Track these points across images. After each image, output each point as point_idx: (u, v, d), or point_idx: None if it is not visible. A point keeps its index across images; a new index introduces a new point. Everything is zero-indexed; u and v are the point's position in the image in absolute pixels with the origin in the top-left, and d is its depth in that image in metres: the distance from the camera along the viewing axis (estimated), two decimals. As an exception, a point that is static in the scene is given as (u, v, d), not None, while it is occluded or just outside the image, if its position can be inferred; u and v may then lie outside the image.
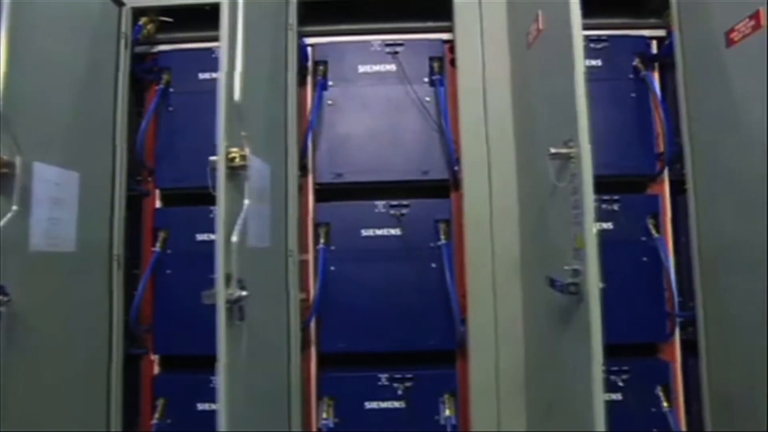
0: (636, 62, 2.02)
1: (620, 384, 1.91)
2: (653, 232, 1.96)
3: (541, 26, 1.55)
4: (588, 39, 2.03)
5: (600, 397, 1.19)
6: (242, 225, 1.29)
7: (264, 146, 1.62)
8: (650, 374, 1.94)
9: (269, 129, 1.74)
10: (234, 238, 1.24)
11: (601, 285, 1.24)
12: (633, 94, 2.02)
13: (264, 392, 1.55)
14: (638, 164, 2.01)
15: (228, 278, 1.21)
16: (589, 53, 2.03)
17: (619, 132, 2.01)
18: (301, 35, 2.02)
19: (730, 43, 1.65)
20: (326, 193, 2.05)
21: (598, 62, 2.03)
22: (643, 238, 1.97)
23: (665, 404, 1.90)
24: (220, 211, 1.22)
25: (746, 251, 1.61)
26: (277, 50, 1.81)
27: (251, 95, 1.48)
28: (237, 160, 1.28)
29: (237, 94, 1.28)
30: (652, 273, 1.95)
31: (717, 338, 1.78)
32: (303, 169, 2.03)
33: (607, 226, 1.97)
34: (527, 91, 1.79)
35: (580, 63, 1.25)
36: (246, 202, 1.33)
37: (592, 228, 1.22)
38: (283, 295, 1.77)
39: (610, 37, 2.04)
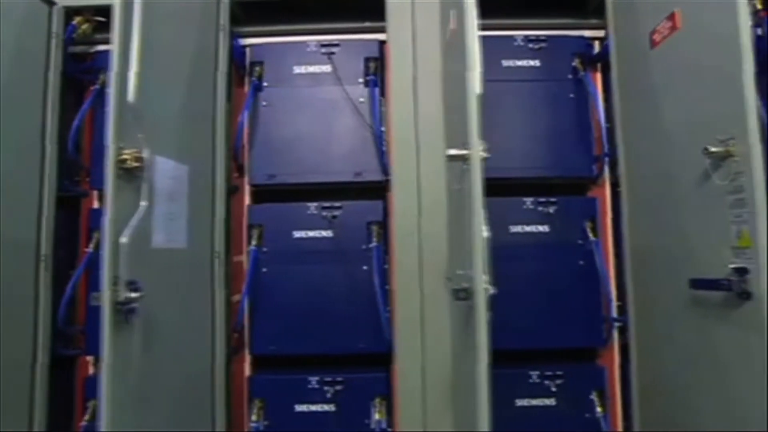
0: (575, 63, 2.00)
1: (553, 389, 1.89)
2: (590, 235, 1.94)
3: (452, 26, 1.54)
4: (527, 39, 2.02)
5: (484, 400, 1.16)
6: (137, 226, 1.28)
7: (183, 147, 1.61)
8: (585, 379, 1.91)
9: (195, 130, 1.73)
10: (123, 240, 1.23)
11: (492, 290, 1.22)
12: (572, 95, 1.99)
13: (177, 393, 1.54)
14: (577, 166, 1.99)
15: (115, 280, 1.21)
16: (527, 53, 2.01)
17: (557, 133, 1.99)
18: (238, 36, 2.01)
19: (653, 44, 1.62)
20: (263, 194, 2.04)
21: (536, 63, 2.01)
22: (580, 241, 1.94)
23: (599, 409, 1.87)
24: (108, 212, 1.21)
25: (665, 253, 1.59)
26: (205, 50, 1.80)
27: (162, 96, 1.48)
28: (130, 161, 1.27)
29: (131, 95, 1.27)
30: (589, 277, 1.92)
31: (645, 340, 1.75)
32: (240, 170, 2.03)
33: (543, 228, 1.95)
34: (446, 92, 1.78)
35: (475, 62, 1.22)
36: (143, 203, 1.32)
37: (482, 232, 1.20)
38: (207, 297, 1.76)
39: (549, 37, 2.02)
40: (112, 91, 1.23)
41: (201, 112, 1.78)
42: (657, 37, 1.60)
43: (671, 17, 1.52)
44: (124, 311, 1.23)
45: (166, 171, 1.49)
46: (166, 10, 1.48)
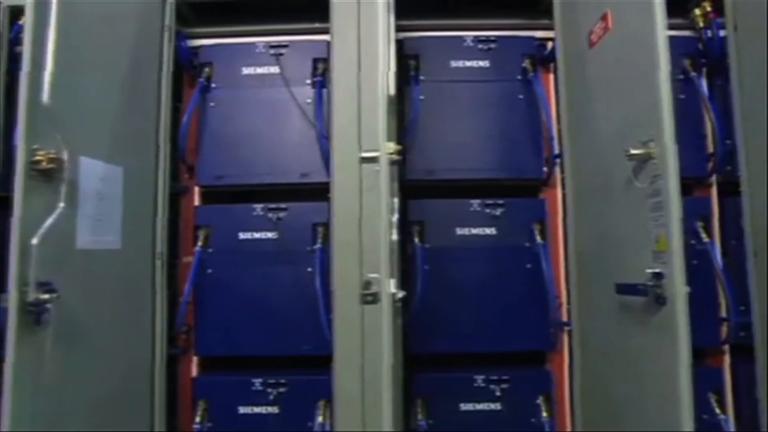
0: (525, 63, 1.98)
1: (498, 393, 1.87)
2: (538, 237, 1.91)
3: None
4: (477, 39, 2.00)
5: (388, 401, 1.15)
6: (51, 228, 1.28)
7: (118, 148, 1.61)
8: (531, 383, 1.89)
9: (135, 130, 1.73)
10: (34, 241, 1.23)
11: (400, 294, 1.20)
12: (521, 96, 1.97)
13: (107, 394, 1.53)
14: (527, 168, 1.97)
15: (23, 281, 1.20)
16: (476, 54, 2.00)
17: (507, 135, 1.97)
18: (187, 36, 2.01)
19: (591, 44, 1.60)
20: (213, 195, 2.04)
21: (485, 63, 1.99)
22: (528, 244, 1.92)
23: (545, 414, 1.85)
24: (16, 213, 1.21)
25: (600, 256, 1.57)
26: (149, 51, 1.80)
27: (90, 97, 1.48)
28: (45, 162, 1.27)
29: (45, 95, 1.27)
30: (538, 280, 1.90)
31: (586, 344, 1.73)
32: (191, 170, 2.03)
33: (490, 231, 1.93)
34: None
35: (382, 63, 1.21)
36: (60, 204, 1.32)
37: (390, 235, 1.18)
38: (148, 298, 1.76)
39: (499, 37, 2.00)
40: (22, 92, 1.23)
41: (143, 113, 1.77)
42: (594, 37, 1.58)
43: (604, 17, 1.50)
44: (34, 313, 1.22)
45: (95, 172, 1.48)
46: (94, 9, 1.48)
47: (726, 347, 1.97)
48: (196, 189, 2.03)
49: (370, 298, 1.18)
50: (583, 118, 1.68)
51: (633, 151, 1.28)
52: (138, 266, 1.72)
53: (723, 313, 1.90)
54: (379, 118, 1.20)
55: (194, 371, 1.97)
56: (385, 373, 1.14)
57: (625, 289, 1.35)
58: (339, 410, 1.45)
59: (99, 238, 1.51)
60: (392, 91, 1.24)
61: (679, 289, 1.15)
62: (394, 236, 1.22)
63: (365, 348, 1.75)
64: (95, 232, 1.49)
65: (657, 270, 1.22)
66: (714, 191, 2.03)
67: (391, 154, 1.21)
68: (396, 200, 1.83)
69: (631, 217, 1.35)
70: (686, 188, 2.01)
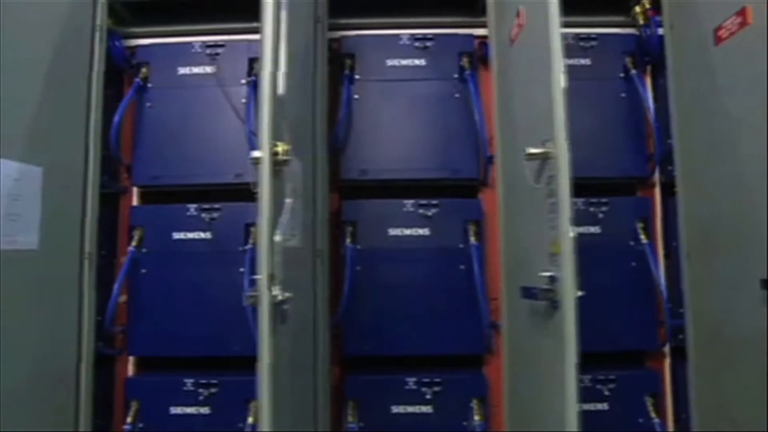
0: (463, 62, 1.96)
1: (428, 396, 1.84)
2: (472, 239, 1.89)
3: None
4: (413, 38, 1.98)
5: (268, 402, 1.13)
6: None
7: (38, 148, 1.61)
8: (465, 386, 1.87)
9: (60, 131, 1.72)
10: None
11: (280, 297, 1.18)
12: (457, 95, 1.95)
13: (22, 395, 1.53)
14: (463, 168, 1.94)
15: None
16: (413, 52, 1.98)
17: (443, 134, 1.95)
18: (123, 36, 2.01)
19: (511, 42, 1.58)
20: (150, 195, 2.04)
21: (421, 62, 1.97)
22: (461, 245, 1.90)
23: (477, 417, 1.82)
24: None
25: (516, 259, 1.54)
26: (78, 51, 1.80)
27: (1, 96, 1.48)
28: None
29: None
30: (472, 281, 1.88)
31: (513, 347, 1.71)
32: (129, 170, 2.03)
33: (423, 232, 1.91)
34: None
35: (268, 62, 1.20)
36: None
37: (271, 237, 1.17)
38: (74, 298, 1.75)
39: (435, 36, 1.98)
40: None
41: (72, 113, 1.77)
42: (513, 34, 1.56)
43: (519, 15, 1.48)
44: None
45: (7, 172, 1.48)
46: (18, 8, 1.47)
47: (667, 350, 1.94)
48: (135, 189, 2.03)
49: (253, 300, 1.17)
50: (508, 118, 1.66)
51: (532, 151, 1.25)
52: (61, 266, 1.71)
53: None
54: (264, 118, 1.18)
55: (131, 371, 1.97)
56: (266, 374, 1.12)
57: (526, 293, 1.33)
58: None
59: (12, 238, 1.50)
60: (281, 90, 1.22)
61: (568, 293, 1.12)
62: (278, 237, 1.20)
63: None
64: (7, 233, 1.48)
65: (552, 273, 1.20)
66: (657, 192, 2.00)
67: (278, 155, 1.19)
68: (325, 199, 1.83)
69: (535, 219, 1.33)
70: (629, 188, 2.01)
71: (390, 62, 1.96)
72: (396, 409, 1.85)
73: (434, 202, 1.91)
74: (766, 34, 1.39)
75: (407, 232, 1.90)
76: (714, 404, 1.66)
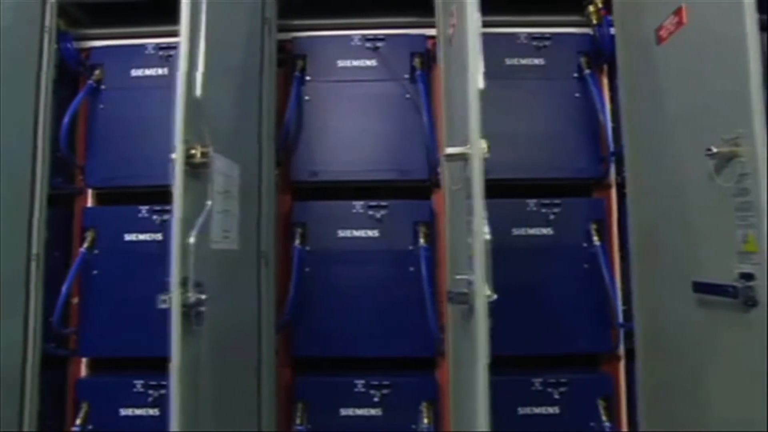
0: (415, 62, 1.94)
1: (376, 399, 1.83)
2: (421, 240, 1.88)
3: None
4: (364, 38, 1.97)
5: (177, 402, 1.13)
6: None
7: None
8: (414, 389, 1.85)
9: (10, 132, 1.73)
10: None
11: (202, 297, 1.18)
12: (408, 96, 1.94)
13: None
14: (413, 169, 1.93)
15: None
16: (364, 53, 1.97)
17: (394, 135, 1.94)
18: (77, 38, 2.02)
19: (449, 41, 1.56)
20: (105, 196, 2.04)
21: (373, 62, 1.96)
22: (410, 247, 1.88)
23: (426, 420, 1.81)
24: None
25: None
26: (28, 52, 1.81)
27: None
28: None
29: None
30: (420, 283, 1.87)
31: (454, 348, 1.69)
32: (83, 172, 2.04)
33: (373, 233, 1.90)
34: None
35: (184, 62, 1.20)
36: None
37: (185, 239, 1.16)
38: (21, 299, 1.76)
39: (387, 36, 1.97)
40: None
41: (19, 115, 1.78)
42: (450, 33, 1.55)
43: (452, 13, 1.47)
44: None
45: None
46: None
47: (622, 353, 1.92)
48: (90, 191, 2.04)
49: (165, 303, 1.16)
50: (448, 119, 1.65)
51: (449, 152, 1.24)
52: (8, 268, 1.72)
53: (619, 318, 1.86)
54: (178, 120, 1.18)
55: (83, 373, 1.98)
56: (176, 376, 1.12)
57: (448, 296, 1.31)
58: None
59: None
60: (198, 92, 1.22)
61: (480, 293, 1.11)
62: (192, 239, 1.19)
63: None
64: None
65: (466, 277, 1.18)
66: (613, 193, 1.98)
67: (193, 157, 1.19)
68: (272, 201, 1.82)
69: (459, 221, 1.32)
70: (584, 189, 1.99)
71: (341, 63, 1.96)
72: (345, 412, 1.84)
73: (383, 203, 1.90)
74: (699, 33, 1.37)
75: (356, 233, 1.89)
76: (660, 408, 1.64)
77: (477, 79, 1.17)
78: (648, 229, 1.68)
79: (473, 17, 1.19)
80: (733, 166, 1.23)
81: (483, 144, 1.15)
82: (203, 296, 1.19)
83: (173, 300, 1.14)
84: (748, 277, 1.19)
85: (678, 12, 1.44)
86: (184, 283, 1.16)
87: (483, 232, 1.11)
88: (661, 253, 1.60)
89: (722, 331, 1.29)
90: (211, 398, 1.36)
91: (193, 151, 1.20)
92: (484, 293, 1.09)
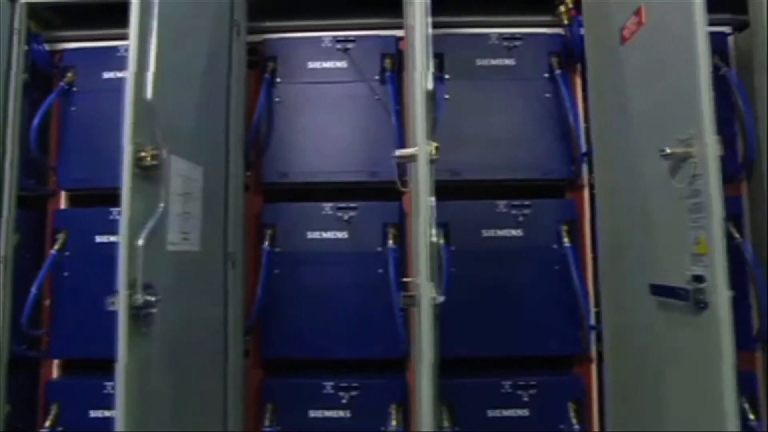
0: (385, 63, 1.94)
1: (344, 401, 1.83)
2: (390, 242, 1.87)
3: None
4: (335, 40, 1.97)
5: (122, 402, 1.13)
6: None
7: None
8: (383, 391, 1.85)
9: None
10: None
11: (152, 299, 1.18)
12: (377, 97, 1.94)
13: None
14: (382, 170, 1.92)
15: None
16: (335, 54, 1.97)
17: (364, 136, 1.94)
18: (53, 41, 2.02)
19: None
20: (79, 198, 2.05)
21: (343, 64, 1.96)
22: (379, 249, 1.88)
23: (394, 422, 1.80)
24: None
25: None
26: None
27: None
28: None
29: None
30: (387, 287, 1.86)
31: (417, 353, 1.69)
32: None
33: (342, 235, 1.90)
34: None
35: (133, 63, 1.20)
36: None
37: (132, 242, 1.16)
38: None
39: (358, 37, 1.97)
40: None
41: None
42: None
43: (405, 17, 1.46)
44: None
45: None
46: None
47: (594, 355, 1.91)
48: (63, 193, 2.04)
49: (113, 305, 1.17)
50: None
51: (399, 153, 1.23)
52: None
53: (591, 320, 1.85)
54: (127, 121, 1.18)
55: (55, 374, 1.98)
56: (122, 377, 1.12)
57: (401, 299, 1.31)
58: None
59: None
60: (150, 94, 1.22)
61: (425, 294, 1.10)
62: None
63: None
64: None
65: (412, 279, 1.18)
66: (586, 194, 1.97)
67: (143, 159, 1.19)
68: (240, 202, 1.82)
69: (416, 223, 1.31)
70: (557, 190, 1.98)
71: (312, 65, 1.95)
72: (314, 413, 1.83)
73: (353, 205, 1.89)
74: (657, 33, 1.37)
75: (325, 235, 1.89)
76: (626, 410, 1.63)
77: (426, 81, 1.16)
78: (614, 231, 1.67)
79: (421, 19, 1.18)
80: (687, 167, 1.22)
81: (430, 146, 1.13)
82: (153, 298, 1.19)
83: (120, 302, 1.14)
84: (699, 279, 1.18)
85: (638, 11, 1.43)
86: (132, 285, 1.16)
87: (428, 233, 1.10)
88: (626, 255, 1.59)
89: (678, 333, 1.29)
90: (168, 399, 1.36)
91: (142, 153, 1.20)
92: (428, 295, 1.08)
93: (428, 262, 1.11)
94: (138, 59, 1.20)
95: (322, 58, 1.95)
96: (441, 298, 1.12)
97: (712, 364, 1.13)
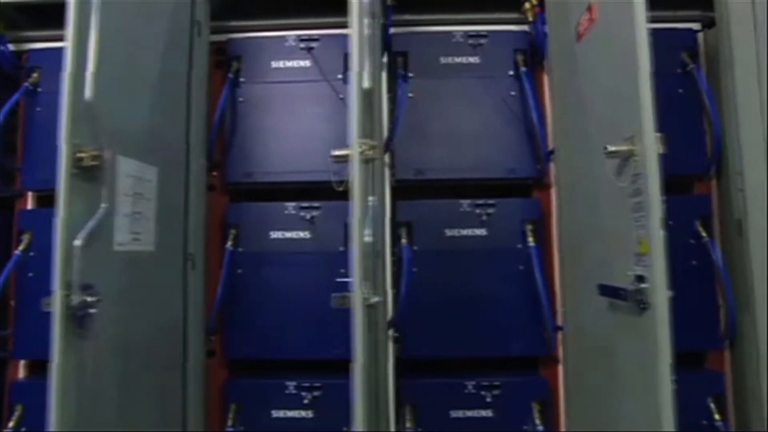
0: (349, 62, 1.92)
1: (306, 401, 1.82)
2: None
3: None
4: (299, 39, 1.97)
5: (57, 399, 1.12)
6: None
7: None
8: (342, 392, 1.83)
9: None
10: None
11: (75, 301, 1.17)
12: (342, 96, 1.92)
13: None
14: (343, 170, 1.91)
15: None
16: (298, 54, 1.96)
17: (327, 136, 1.93)
18: (19, 41, 2.03)
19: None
20: (46, 199, 2.05)
21: (306, 63, 1.95)
22: (341, 248, 1.87)
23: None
24: None
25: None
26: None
27: None
28: None
29: None
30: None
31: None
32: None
33: (305, 235, 1.89)
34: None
35: (71, 63, 1.19)
36: None
37: (77, 241, 1.16)
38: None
39: (322, 36, 1.96)
40: None
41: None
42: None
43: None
44: None
45: None
46: None
47: (561, 356, 1.89)
48: (30, 194, 2.04)
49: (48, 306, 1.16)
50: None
51: (335, 153, 1.22)
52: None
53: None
54: (64, 122, 1.17)
55: (21, 374, 1.98)
56: (56, 376, 1.11)
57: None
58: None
59: None
60: (89, 94, 1.22)
61: (357, 295, 1.09)
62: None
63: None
64: None
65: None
66: (554, 192, 1.95)
67: (82, 160, 1.19)
68: (201, 202, 1.82)
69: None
70: (524, 189, 1.97)
71: (275, 64, 1.95)
72: (276, 413, 1.83)
73: (315, 204, 1.89)
74: (605, 29, 1.35)
75: (288, 235, 1.88)
76: (583, 410, 1.62)
77: (362, 79, 1.15)
78: (573, 231, 1.66)
79: (358, 19, 1.18)
80: (631, 165, 1.21)
81: (366, 145, 1.12)
82: (91, 298, 1.19)
83: (56, 303, 1.14)
84: (642, 279, 1.16)
85: (590, 8, 1.42)
86: (68, 285, 1.16)
87: (362, 234, 1.09)
88: (582, 255, 1.57)
89: (625, 334, 1.27)
90: (115, 398, 1.36)
91: (80, 154, 1.20)
92: (360, 296, 1.07)
93: (362, 263, 1.10)
94: (75, 59, 1.19)
95: (286, 58, 1.95)
96: (375, 299, 1.12)
97: (652, 366, 1.11)
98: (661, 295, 1.10)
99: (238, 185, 1.95)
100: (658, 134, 1.14)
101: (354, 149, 1.12)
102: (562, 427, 1.86)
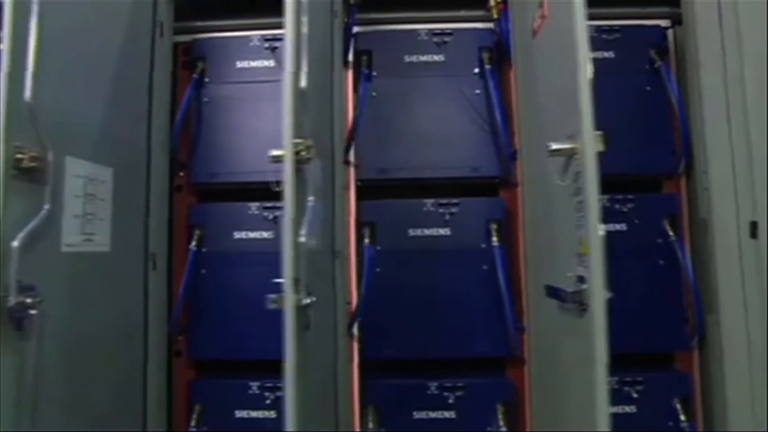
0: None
1: (269, 402, 1.82)
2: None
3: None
4: (264, 39, 1.96)
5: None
6: None
7: None
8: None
9: None
10: None
11: (33, 300, 1.17)
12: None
13: None
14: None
15: None
16: (263, 54, 1.95)
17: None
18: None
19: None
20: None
21: (270, 63, 1.94)
22: (308, 248, 1.87)
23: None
24: None
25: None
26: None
27: None
28: None
29: None
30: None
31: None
32: None
33: (268, 234, 1.88)
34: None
35: (7, 64, 1.19)
36: None
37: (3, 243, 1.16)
38: None
39: (285, 35, 1.94)
40: None
41: None
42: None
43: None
44: None
45: None
46: None
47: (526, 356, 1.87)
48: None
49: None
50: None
51: (273, 153, 1.22)
52: None
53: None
54: None
55: None
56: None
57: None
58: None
59: None
60: (29, 95, 1.21)
61: (288, 296, 1.09)
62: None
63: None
64: None
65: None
66: (519, 192, 1.93)
67: (22, 161, 1.18)
68: (164, 203, 1.82)
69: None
70: (490, 188, 1.95)
71: (240, 64, 1.94)
72: (240, 414, 1.83)
73: (278, 204, 1.87)
74: (554, 26, 1.33)
75: (252, 235, 1.87)
76: (542, 411, 1.60)
77: (299, 78, 1.14)
78: (533, 230, 1.64)
79: (293, 18, 1.17)
80: (573, 164, 1.19)
81: (300, 146, 1.11)
82: (30, 300, 1.19)
83: (-8, 305, 1.14)
84: (583, 280, 1.15)
85: (542, 4, 1.40)
86: (5, 287, 1.15)
87: (295, 234, 1.08)
88: (541, 255, 1.56)
89: (568, 335, 1.26)
90: (62, 399, 1.35)
91: (19, 156, 1.19)
92: (291, 297, 1.06)
93: (295, 264, 1.09)
94: (12, 58, 1.18)
95: (251, 58, 1.94)
96: (308, 300, 1.11)
97: (591, 369, 1.10)
98: (598, 296, 1.08)
99: (204, 185, 1.94)
100: (598, 132, 1.12)
101: (287, 149, 1.11)
102: (528, 427, 1.85)
